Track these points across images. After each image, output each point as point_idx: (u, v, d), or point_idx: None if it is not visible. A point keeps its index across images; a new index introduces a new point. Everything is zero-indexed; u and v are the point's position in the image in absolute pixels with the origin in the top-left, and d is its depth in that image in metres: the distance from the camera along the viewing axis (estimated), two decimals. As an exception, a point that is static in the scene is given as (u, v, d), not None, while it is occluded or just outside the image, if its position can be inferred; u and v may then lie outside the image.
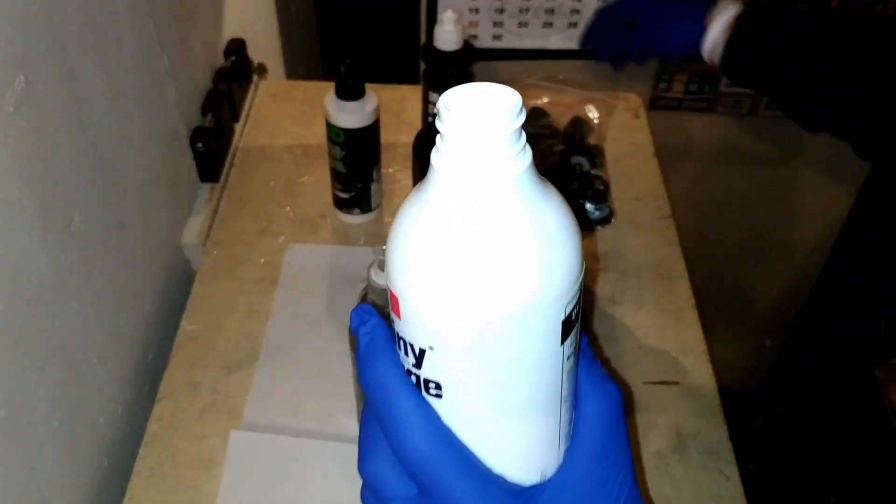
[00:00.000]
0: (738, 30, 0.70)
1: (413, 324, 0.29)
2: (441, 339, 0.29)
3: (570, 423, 0.32)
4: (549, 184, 0.31)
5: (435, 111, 0.29)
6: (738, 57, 0.70)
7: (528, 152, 0.29)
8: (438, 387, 0.30)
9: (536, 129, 0.95)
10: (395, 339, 0.31)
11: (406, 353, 0.30)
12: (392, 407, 0.30)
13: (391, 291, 0.30)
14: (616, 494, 0.30)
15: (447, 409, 0.30)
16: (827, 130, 0.70)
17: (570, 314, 0.30)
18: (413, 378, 0.30)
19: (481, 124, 0.27)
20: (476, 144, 0.27)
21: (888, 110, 0.63)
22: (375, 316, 0.32)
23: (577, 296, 0.30)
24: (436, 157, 0.28)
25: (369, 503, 0.32)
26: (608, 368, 0.74)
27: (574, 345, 0.31)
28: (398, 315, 0.30)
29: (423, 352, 0.29)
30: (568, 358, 0.30)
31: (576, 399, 0.31)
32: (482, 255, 0.28)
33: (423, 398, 0.30)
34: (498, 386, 0.29)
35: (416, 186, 0.31)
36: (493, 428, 0.30)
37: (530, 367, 0.29)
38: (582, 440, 0.31)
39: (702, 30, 0.72)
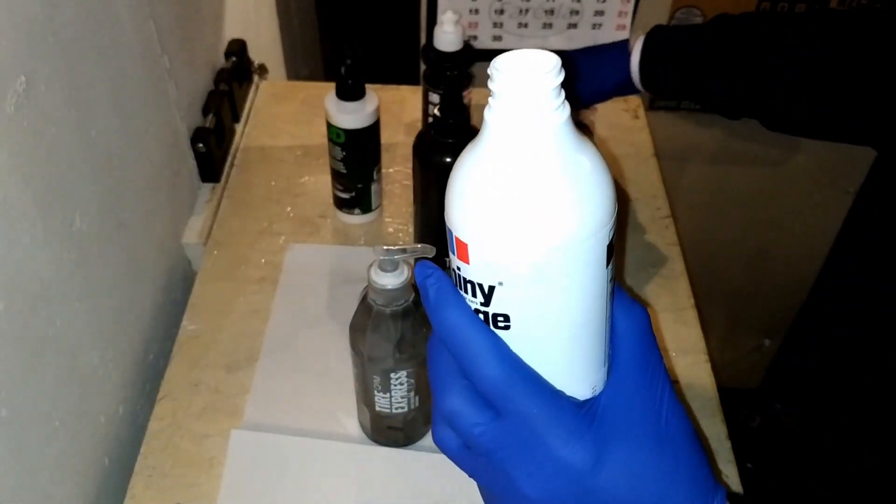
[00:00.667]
0: (647, 42, 0.76)
1: (482, 265, 0.33)
2: (508, 273, 0.32)
3: (608, 342, 0.36)
4: (582, 134, 0.34)
5: (488, 73, 0.33)
6: (653, 66, 0.76)
7: (567, 106, 0.32)
8: (507, 318, 0.33)
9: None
10: (459, 284, 0.34)
11: (475, 295, 0.34)
12: (468, 342, 0.33)
13: (457, 239, 0.33)
14: (659, 398, 0.34)
15: (515, 338, 0.34)
16: (748, 115, 0.74)
17: (612, 240, 0.35)
18: (481, 316, 0.34)
19: (529, 81, 0.31)
20: (525, 98, 0.31)
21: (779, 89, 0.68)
22: (437, 269, 0.35)
23: (615, 225, 0.36)
24: (488, 114, 0.32)
25: (445, 439, 0.35)
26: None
27: (613, 269, 0.36)
28: (466, 261, 0.33)
29: (492, 289, 0.33)
30: (610, 280, 0.35)
31: (610, 322, 0.36)
32: (539, 193, 0.32)
33: (494, 332, 0.34)
34: (558, 310, 0.33)
35: (470, 144, 0.34)
36: (554, 350, 0.34)
37: (583, 290, 0.34)
38: (623, 356, 0.35)
39: (626, 63, 0.77)
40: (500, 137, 0.32)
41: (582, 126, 0.96)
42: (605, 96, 0.82)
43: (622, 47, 0.79)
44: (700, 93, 0.74)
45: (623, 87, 0.79)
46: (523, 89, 0.31)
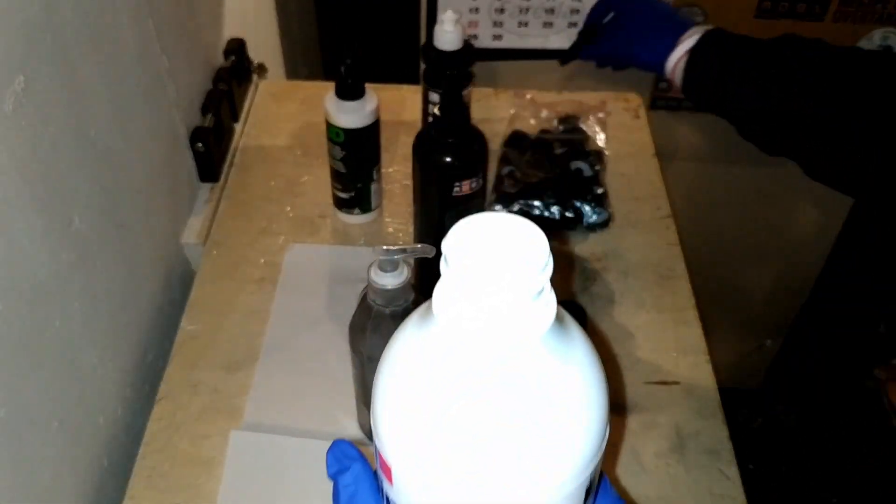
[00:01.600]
0: (699, 47, 0.71)
1: (408, 496, 0.26)
2: None
3: None
4: (570, 321, 0.26)
5: (442, 255, 0.24)
6: (697, 75, 0.71)
7: (553, 301, 0.24)
8: None
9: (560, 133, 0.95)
10: (379, 491, 0.28)
11: None
12: None
13: (380, 455, 0.26)
14: None
15: None
16: (785, 154, 0.71)
17: (593, 479, 0.27)
18: None
19: (507, 280, 0.22)
20: (497, 302, 0.23)
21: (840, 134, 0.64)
22: (357, 460, 0.29)
23: (603, 455, 0.27)
24: (441, 303, 0.24)
25: None
26: (608, 369, 0.74)
27: (594, 493, 0.28)
28: (389, 480, 0.26)
29: None
30: None
31: None
32: (504, 434, 0.23)
33: None
34: None
35: (411, 324, 0.26)
36: None
37: None
38: None
39: (670, 47, 0.73)
40: (455, 343, 0.24)
41: (582, 130, 0.96)
42: (630, 65, 0.79)
43: (670, 33, 0.74)
44: (743, 116, 0.70)
45: (648, 69, 0.76)
46: (498, 291, 0.22)
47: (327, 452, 0.29)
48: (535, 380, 0.24)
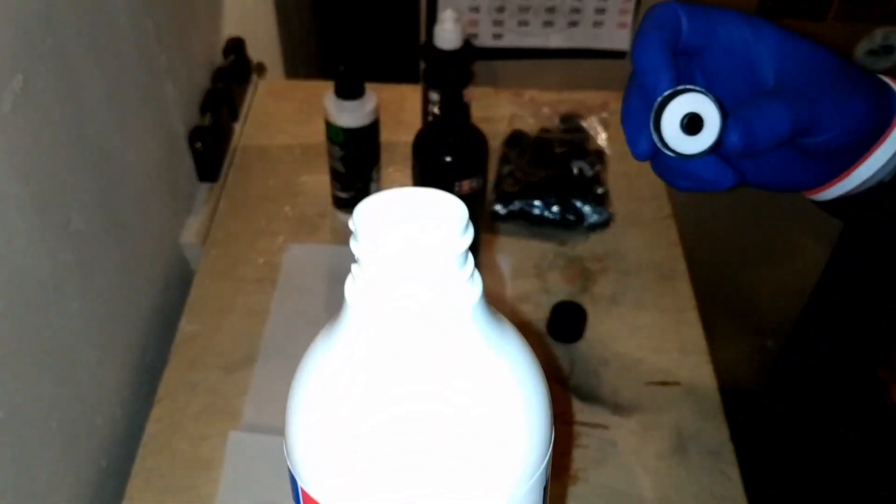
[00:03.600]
0: None
1: None
2: None
3: None
4: (500, 314, 0.24)
5: (350, 227, 0.22)
6: None
7: (478, 277, 0.22)
8: None
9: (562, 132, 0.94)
10: None
11: None
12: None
13: (303, 492, 0.21)
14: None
15: None
16: None
17: (548, 477, 0.24)
18: None
19: (420, 249, 0.20)
20: (417, 271, 0.20)
21: None
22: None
23: (552, 455, 0.24)
24: (352, 293, 0.21)
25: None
26: (609, 369, 0.74)
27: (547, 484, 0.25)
28: None
29: None
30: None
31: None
32: (439, 439, 0.21)
33: None
34: None
35: (322, 338, 0.22)
36: None
37: None
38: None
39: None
40: (376, 330, 0.21)
41: (583, 130, 0.95)
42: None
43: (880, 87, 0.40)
44: None
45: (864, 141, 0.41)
46: (412, 261, 0.20)
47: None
48: (468, 358, 0.21)
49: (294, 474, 0.22)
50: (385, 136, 0.83)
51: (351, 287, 0.21)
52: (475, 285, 0.21)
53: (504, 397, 0.21)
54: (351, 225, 0.21)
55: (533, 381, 0.23)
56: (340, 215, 0.87)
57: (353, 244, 0.21)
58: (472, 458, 0.21)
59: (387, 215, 0.21)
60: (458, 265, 0.21)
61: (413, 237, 0.20)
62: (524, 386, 0.22)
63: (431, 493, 0.21)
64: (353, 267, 0.22)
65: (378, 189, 0.86)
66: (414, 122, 0.96)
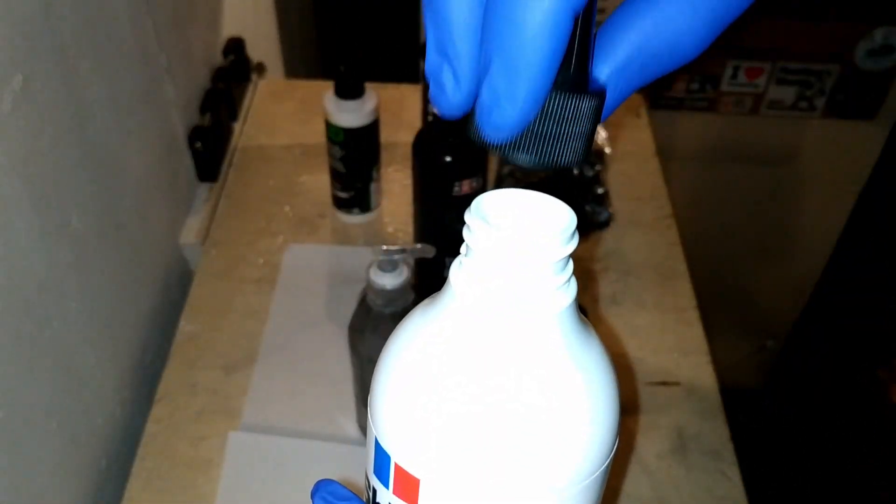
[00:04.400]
0: None
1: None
2: None
3: None
4: (585, 320, 0.26)
5: (466, 220, 0.23)
6: None
7: (574, 283, 0.24)
8: None
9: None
10: None
11: None
12: None
13: (399, 469, 0.24)
14: None
15: None
16: None
17: (607, 476, 0.27)
18: None
19: (529, 245, 0.22)
20: (520, 269, 0.22)
21: None
22: (350, 500, 0.27)
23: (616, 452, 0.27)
24: (459, 279, 0.23)
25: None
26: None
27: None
28: (414, 501, 0.24)
29: None
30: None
31: None
32: (544, 414, 0.23)
33: None
34: None
35: (421, 311, 0.24)
36: None
37: None
38: None
39: None
40: (476, 318, 0.23)
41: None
42: None
43: None
44: None
45: None
46: (525, 258, 0.22)
47: (313, 495, 0.27)
48: (558, 355, 0.23)
49: (387, 450, 0.24)
50: (385, 135, 0.83)
51: (456, 272, 0.23)
52: (569, 292, 0.24)
53: (571, 401, 0.24)
54: (467, 216, 0.23)
55: (603, 392, 0.25)
56: (340, 215, 0.87)
57: (465, 233, 0.23)
58: (535, 452, 0.23)
59: (502, 212, 0.24)
60: (557, 270, 0.23)
61: (521, 238, 0.22)
62: (592, 394, 0.24)
63: (502, 477, 0.23)
64: (462, 253, 0.24)
65: (378, 189, 0.86)
66: (414, 122, 0.96)
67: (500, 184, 0.88)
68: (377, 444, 0.26)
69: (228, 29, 1.00)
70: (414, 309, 0.26)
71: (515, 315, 0.23)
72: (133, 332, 0.73)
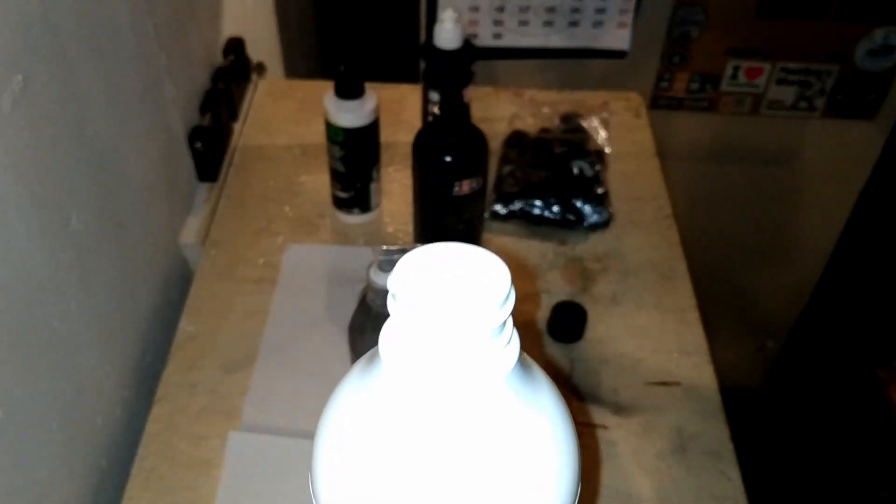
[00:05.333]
0: None
1: None
2: None
3: None
4: (534, 365, 0.24)
5: (389, 287, 0.21)
6: None
7: (516, 340, 0.22)
8: None
9: (562, 133, 0.94)
10: None
11: None
12: None
13: None
14: None
15: None
16: None
17: None
18: None
19: (459, 317, 0.20)
20: (447, 338, 0.20)
21: None
22: None
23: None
24: (388, 345, 0.21)
25: None
26: (609, 369, 0.74)
27: None
28: None
29: None
30: None
31: None
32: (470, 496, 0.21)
33: None
34: None
35: (354, 374, 0.22)
36: None
37: None
38: None
39: None
40: (408, 390, 0.21)
41: (584, 130, 0.95)
42: None
43: None
44: None
45: None
46: (449, 328, 0.20)
47: None
48: (500, 428, 0.21)
49: None
50: (385, 135, 0.83)
51: (386, 342, 0.21)
52: (512, 351, 0.21)
53: (532, 462, 0.21)
54: (390, 283, 0.21)
55: (564, 444, 0.23)
56: (340, 215, 0.87)
57: (390, 302, 0.21)
58: None
59: (427, 276, 0.21)
60: (495, 334, 0.21)
61: (451, 304, 0.20)
62: (554, 451, 0.22)
63: None
64: (389, 321, 0.21)
65: (378, 189, 0.86)
66: (414, 122, 0.96)
67: (499, 184, 0.88)
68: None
69: (228, 29, 1.00)
70: (349, 372, 0.24)
71: (453, 388, 0.21)
72: (133, 331, 0.73)
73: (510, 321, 0.21)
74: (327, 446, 0.23)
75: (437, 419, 0.21)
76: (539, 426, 0.22)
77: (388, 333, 0.22)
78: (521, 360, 0.22)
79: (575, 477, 0.23)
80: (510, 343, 0.21)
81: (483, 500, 0.21)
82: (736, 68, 1.30)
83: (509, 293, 0.21)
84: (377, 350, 0.22)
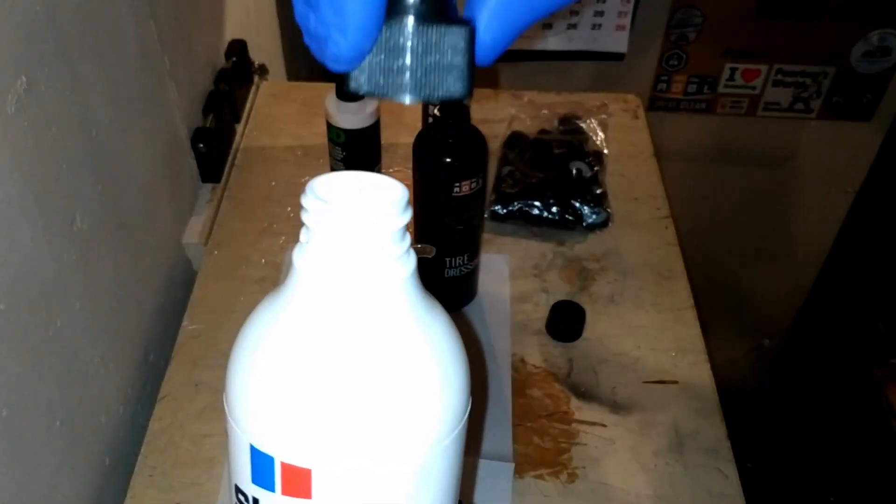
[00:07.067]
0: None
1: (333, 493, 0.25)
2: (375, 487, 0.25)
3: None
4: (432, 297, 0.27)
5: (301, 204, 0.24)
6: None
7: (413, 255, 0.25)
8: None
9: (561, 133, 0.95)
10: None
11: None
12: None
13: (287, 467, 0.24)
14: None
15: None
16: None
17: (461, 447, 0.28)
18: None
19: (364, 218, 0.23)
20: (359, 242, 0.23)
21: None
22: None
23: (468, 416, 0.27)
24: (301, 260, 0.24)
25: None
26: (607, 368, 0.75)
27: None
28: (308, 495, 0.25)
29: None
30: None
31: None
32: (372, 392, 0.24)
33: None
34: None
35: (270, 300, 0.25)
36: None
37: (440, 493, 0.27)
38: None
39: None
40: (317, 292, 0.24)
41: (582, 131, 0.96)
42: None
43: None
44: None
45: None
46: (358, 229, 0.23)
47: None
48: (398, 325, 0.24)
49: (258, 447, 0.25)
50: (386, 137, 0.83)
51: (299, 255, 0.24)
52: (408, 262, 0.24)
53: (420, 365, 0.25)
54: (303, 198, 0.24)
55: (450, 354, 0.26)
56: (341, 216, 0.88)
57: (303, 215, 0.24)
58: (390, 417, 0.24)
59: (335, 192, 0.24)
60: (395, 241, 0.24)
61: (356, 213, 0.23)
62: (440, 357, 0.25)
63: (358, 446, 0.24)
64: (301, 234, 0.24)
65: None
66: (414, 124, 0.97)
67: (499, 184, 0.89)
68: (254, 451, 0.25)
69: (231, 31, 1.00)
70: (261, 302, 0.27)
71: (359, 286, 0.24)
72: (136, 331, 0.73)
73: (408, 237, 0.24)
74: (239, 352, 0.26)
75: (342, 317, 0.23)
76: (431, 331, 0.25)
77: (299, 247, 0.24)
78: (420, 284, 0.25)
79: (462, 384, 0.26)
80: (409, 253, 0.24)
81: (376, 392, 0.24)
82: (733, 70, 1.31)
83: (406, 205, 0.24)
84: (291, 268, 0.25)
